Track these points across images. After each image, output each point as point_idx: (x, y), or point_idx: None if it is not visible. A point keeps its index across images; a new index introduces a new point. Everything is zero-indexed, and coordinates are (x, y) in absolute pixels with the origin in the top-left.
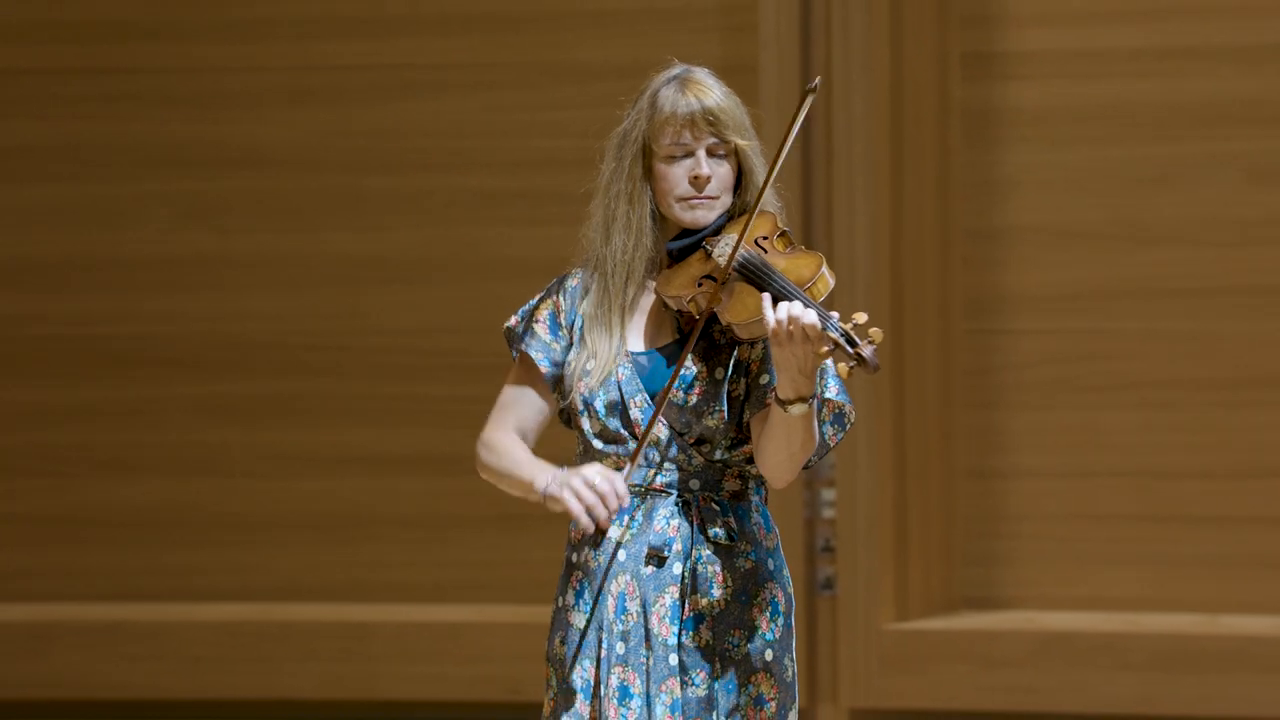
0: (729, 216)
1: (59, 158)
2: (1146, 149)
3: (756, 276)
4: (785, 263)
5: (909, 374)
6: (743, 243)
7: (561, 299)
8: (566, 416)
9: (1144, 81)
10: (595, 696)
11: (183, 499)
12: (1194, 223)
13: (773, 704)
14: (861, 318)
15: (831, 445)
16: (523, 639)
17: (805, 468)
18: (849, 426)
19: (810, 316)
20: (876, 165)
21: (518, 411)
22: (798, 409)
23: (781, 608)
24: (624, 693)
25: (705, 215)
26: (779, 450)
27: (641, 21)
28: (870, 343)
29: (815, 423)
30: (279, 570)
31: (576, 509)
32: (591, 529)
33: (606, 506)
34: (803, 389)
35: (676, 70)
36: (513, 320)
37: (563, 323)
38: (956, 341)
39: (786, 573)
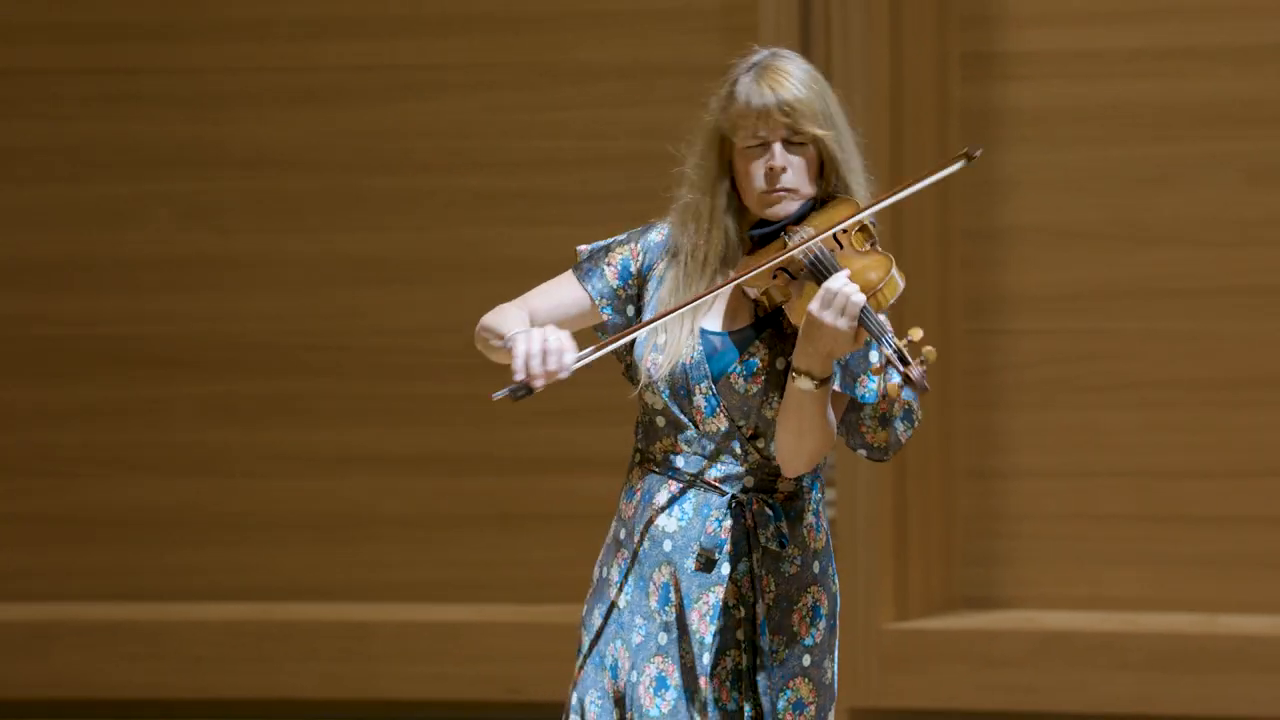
0: (815, 203)
1: (59, 158)
2: (1146, 149)
3: (823, 274)
4: (857, 263)
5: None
6: (817, 239)
7: (640, 249)
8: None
9: (1143, 81)
10: (620, 678)
11: (183, 499)
12: (1193, 223)
13: (812, 708)
14: (917, 334)
15: (903, 441)
16: (523, 639)
17: (881, 459)
18: (917, 424)
19: (857, 298)
20: (876, 166)
21: (539, 304)
22: (804, 383)
23: (824, 610)
24: (661, 683)
25: (784, 208)
26: (787, 427)
27: (641, 21)
28: (923, 362)
29: (828, 413)
30: (279, 570)
31: (519, 353)
32: (520, 376)
33: (545, 365)
34: (815, 366)
35: (757, 56)
36: (583, 247)
37: (635, 272)
38: (956, 341)
39: (833, 570)
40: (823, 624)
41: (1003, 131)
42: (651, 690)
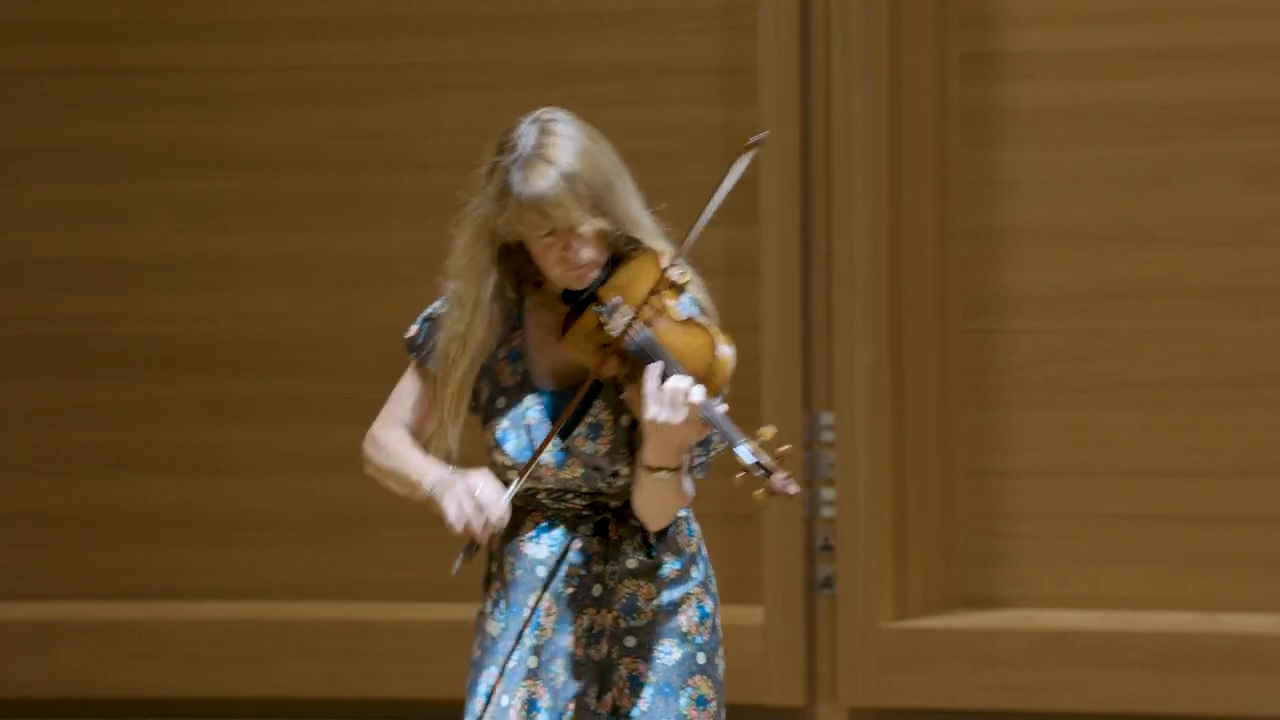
0: (612, 262)
1: (59, 158)
2: (1146, 149)
3: (650, 362)
4: (680, 341)
5: (908, 374)
6: (635, 320)
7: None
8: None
9: (1143, 81)
10: (493, 705)
11: (184, 498)
12: (1193, 223)
13: (713, 704)
14: (769, 432)
15: (697, 465)
16: None
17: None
18: (713, 453)
19: (696, 395)
20: (876, 165)
21: (410, 415)
22: (661, 476)
23: (709, 609)
24: (532, 706)
25: (586, 277)
26: (646, 507)
27: (641, 21)
28: (781, 462)
29: (684, 481)
30: (280, 569)
31: (455, 517)
32: (466, 539)
33: (487, 520)
34: (669, 460)
35: (524, 139)
36: (412, 329)
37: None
38: (955, 341)
39: (710, 573)
40: (710, 623)
41: (1002, 131)
42: (523, 714)
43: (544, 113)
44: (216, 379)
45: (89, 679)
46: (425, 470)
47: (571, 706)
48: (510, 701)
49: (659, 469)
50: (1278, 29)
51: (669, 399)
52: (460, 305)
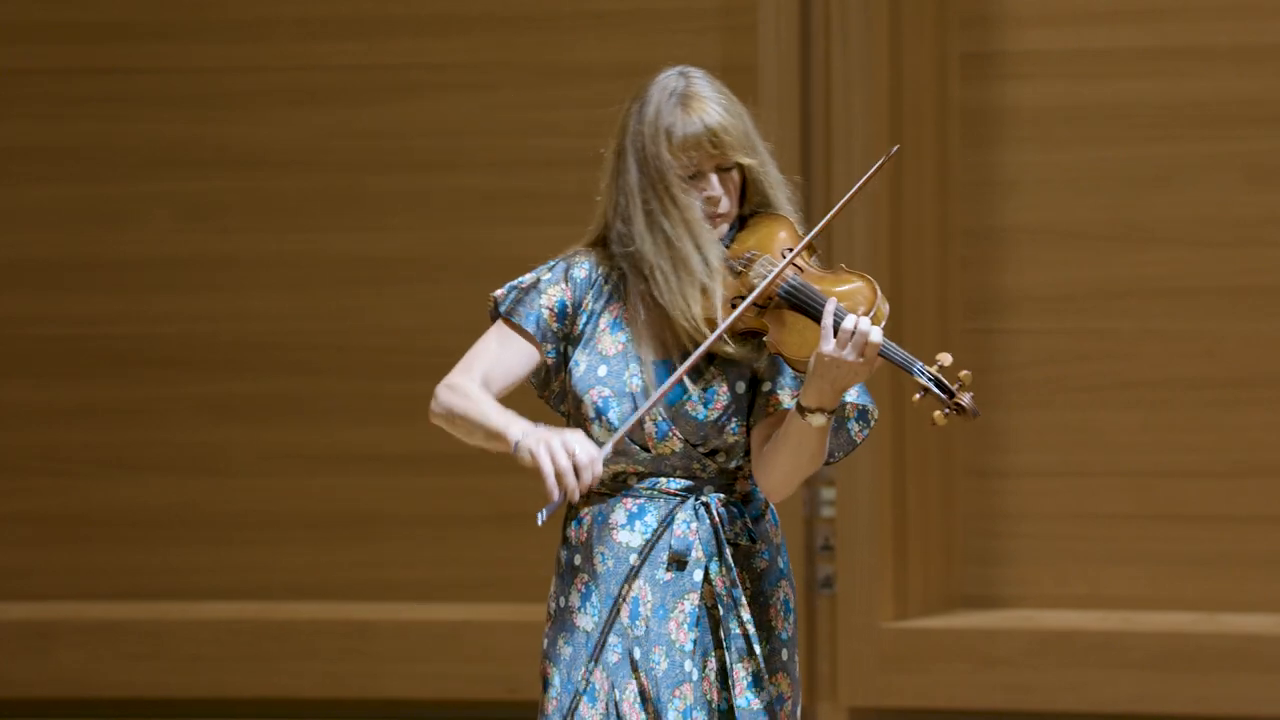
0: (740, 223)
1: (59, 158)
2: (1146, 149)
3: (808, 305)
4: (836, 286)
5: (908, 374)
6: (784, 267)
7: (570, 286)
8: (563, 408)
9: (1143, 81)
10: (600, 701)
11: (184, 498)
12: (1193, 223)
13: (789, 702)
14: (947, 359)
15: (859, 442)
16: (523, 638)
17: (829, 462)
18: (873, 424)
19: (875, 335)
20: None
21: (491, 371)
22: (817, 419)
23: (792, 605)
24: (642, 697)
25: (718, 232)
26: (785, 461)
27: (641, 21)
28: (962, 387)
29: (828, 437)
30: (279, 569)
31: (548, 470)
32: (556, 496)
33: (580, 478)
34: (828, 401)
35: (675, 81)
36: (500, 291)
37: (569, 310)
38: (956, 341)
39: (791, 570)
40: (792, 617)
41: (1002, 131)
42: (637, 706)
43: (685, 67)
44: (216, 379)
45: (89, 679)
46: (510, 421)
47: (680, 694)
48: (621, 696)
49: (817, 410)
50: (1278, 29)
51: (850, 336)
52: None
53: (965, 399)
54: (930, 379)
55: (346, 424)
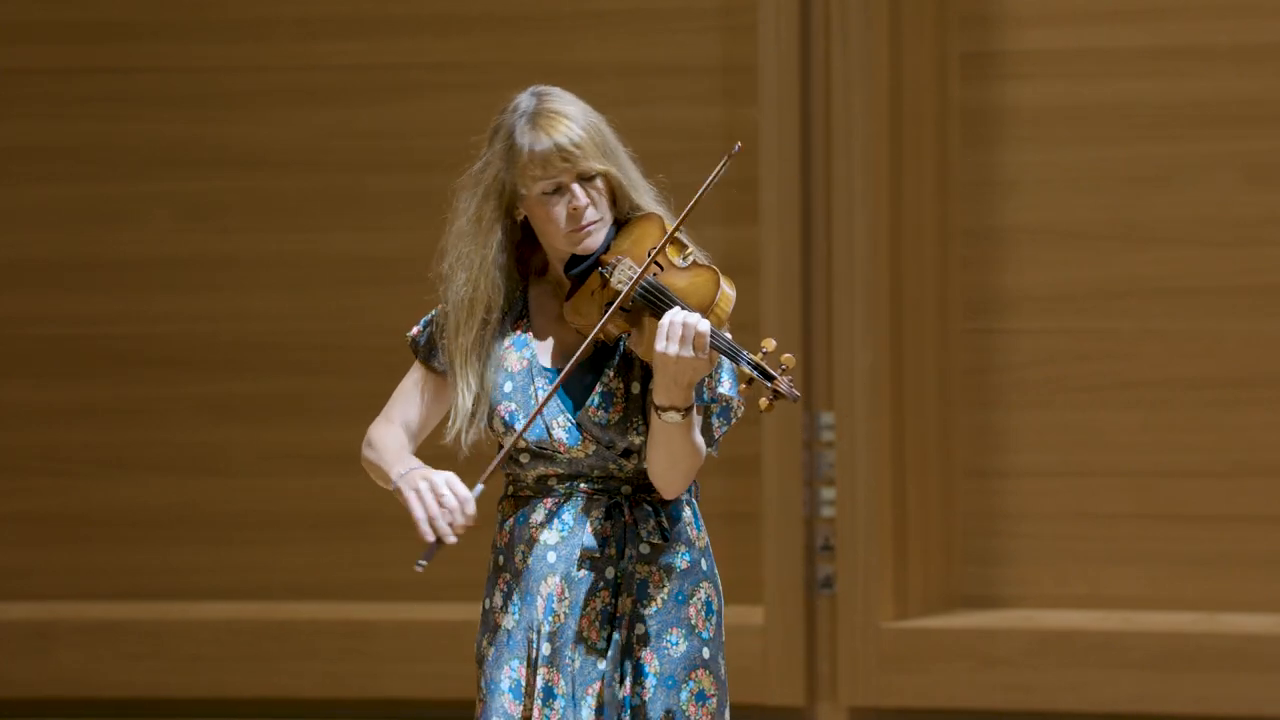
0: (616, 228)
1: (59, 158)
2: (1145, 149)
3: (658, 304)
4: (684, 282)
5: (908, 374)
6: (641, 272)
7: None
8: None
9: (1143, 81)
10: (527, 696)
11: (184, 498)
12: (1193, 223)
13: (713, 700)
14: (770, 344)
15: (717, 437)
16: None
17: (711, 454)
18: (734, 420)
19: (703, 325)
20: (876, 165)
21: (408, 413)
22: (670, 416)
23: (715, 607)
24: (548, 693)
25: (594, 240)
26: (660, 458)
27: (641, 21)
28: (784, 372)
29: (695, 433)
30: (279, 569)
31: (419, 515)
32: (430, 538)
33: (450, 521)
34: (677, 399)
35: (524, 103)
36: (415, 330)
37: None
38: (956, 341)
39: (717, 574)
40: (715, 619)
41: (1002, 131)
42: (539, 701)
43: (538, 86)
44: (216, 379)
45: (89, 679)
46: (395, 463)
47: (591, 691)
48: (537, 691)
49: (669, 408)
50: (1278, 28)
51: (675, 331)
52: (467, 267)
53: (784, 384)
54: (753, 366)
55: (346, 424)
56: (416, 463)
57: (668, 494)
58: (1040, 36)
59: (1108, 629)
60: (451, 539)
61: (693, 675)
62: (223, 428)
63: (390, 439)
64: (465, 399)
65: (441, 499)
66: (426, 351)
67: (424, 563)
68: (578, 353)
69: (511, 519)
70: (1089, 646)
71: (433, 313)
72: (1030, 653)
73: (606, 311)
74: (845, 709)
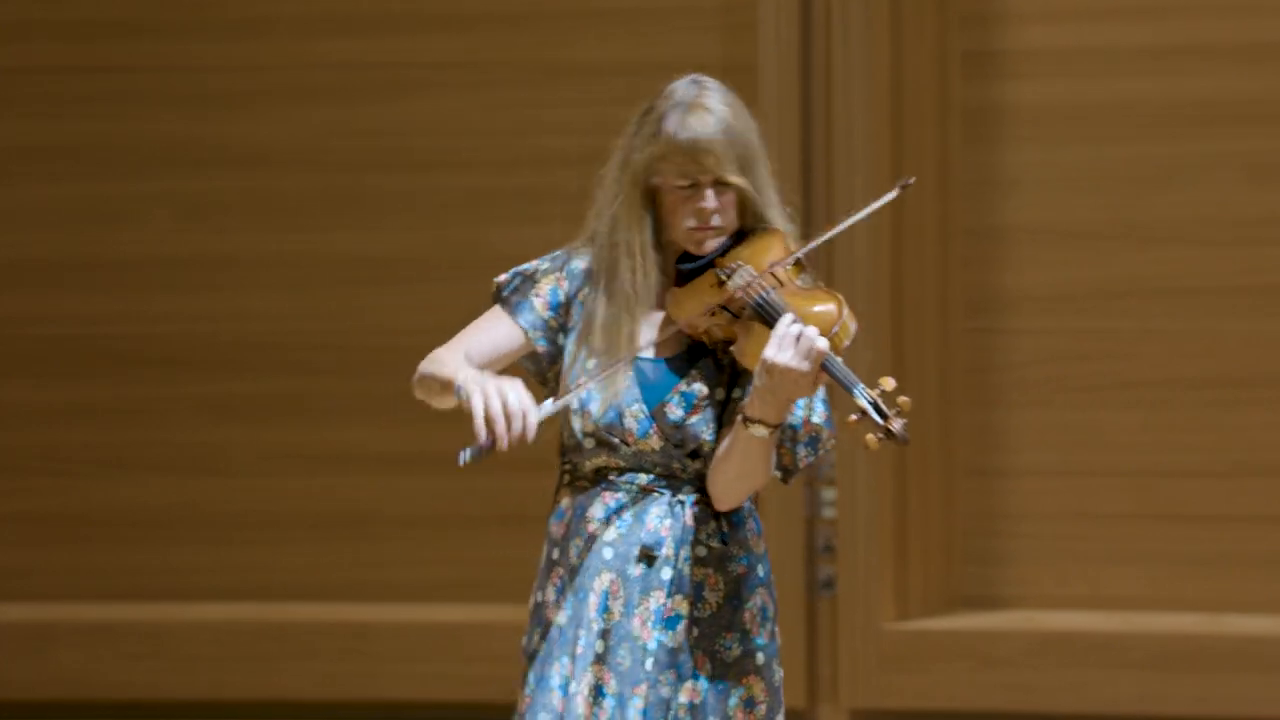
0: (736, 236)
1: (59, 158)
2: (1146, 148)
3: (771, 315)
4: (804, 302)
5: (909, 374)
6: (759, 278)
7: (566, 277)
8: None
9: (1144, 80)
10: (567, 694)
11: (183, 498)
12: (1194, 222)
13: (763, 707)
14: (889, 384)
15: (801, 467)
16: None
17: (785, 483)
18: (821, 453)
19: (821, 342)
20: (876, 165)
21: (473, 347)
22: (758, 430)
23: (771, 614)
24: (599, 692)
25: (711, 243)
26: (730, 469)
27: (641, 21)
28: (899, 413)
29: (773, 454)
30: (279, 570)
31: (479, 412)
32: (484, 438)
33: (510, 428)
34: (770, 414)
35: (683, 90)
36: (503, 277)
37: (563, 301)
38: (956, 340)
39: (773, 581)
40: (771, 626)
41: (1003, 130)
42: (589, 698)
43: (700, 75)
44: (216, 379)
45: (88, 679)
46: (460, 368)
47: (640, 692)
48: (577, 689)
49: (759, 421)
50: (1278, 28)
51: (795, 343)
52: (629, 254)
53: (897, 425)
54: (869, 402)
55: (346, 424)
56: (479, 370)
57: (721, 505)
58: (1041, 35)
59: (1108, 629)
60: (505, 445)
61: (744, 681)
62: (223, 428)
63: (457, 357)
64: (590, 363)
65: (507, 403)
66: (515, 304)
67: (468, 458)
68: (664, 330)
69: (570, 511)
70: (1089, 647)
71: (532, 265)
72: (1031, 653)
73: (709, 314)
74: (846, 710)
